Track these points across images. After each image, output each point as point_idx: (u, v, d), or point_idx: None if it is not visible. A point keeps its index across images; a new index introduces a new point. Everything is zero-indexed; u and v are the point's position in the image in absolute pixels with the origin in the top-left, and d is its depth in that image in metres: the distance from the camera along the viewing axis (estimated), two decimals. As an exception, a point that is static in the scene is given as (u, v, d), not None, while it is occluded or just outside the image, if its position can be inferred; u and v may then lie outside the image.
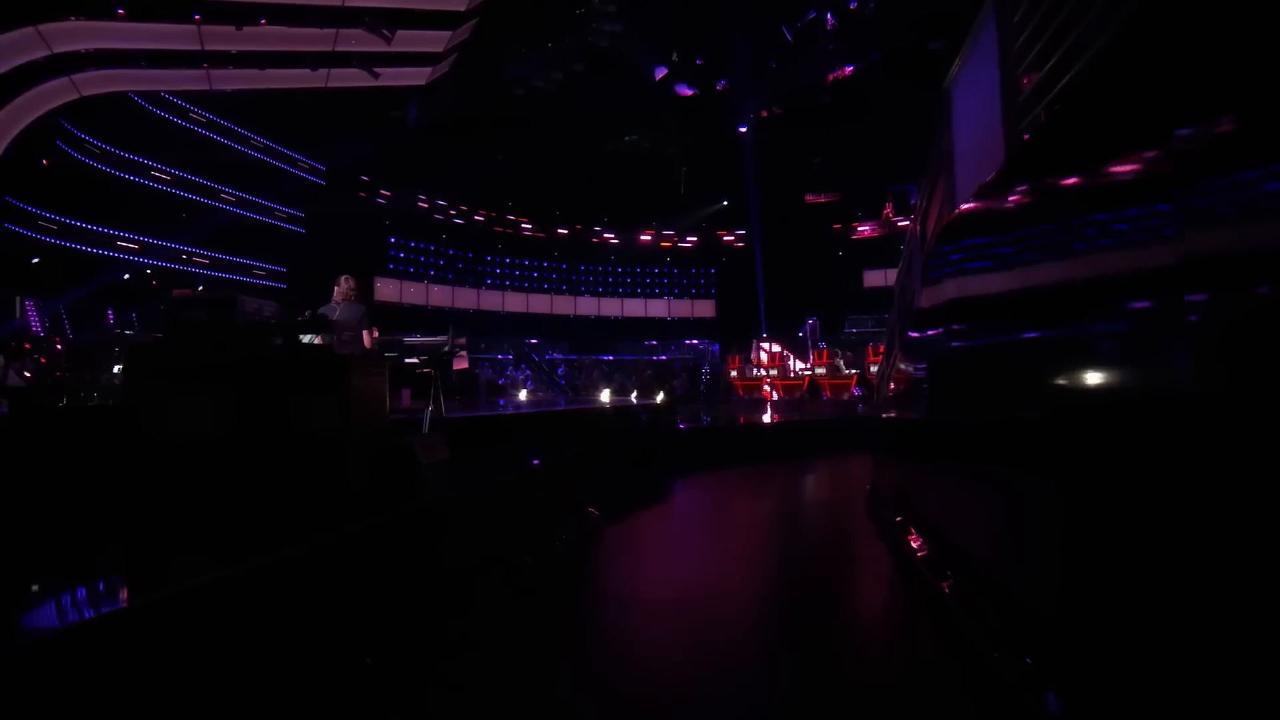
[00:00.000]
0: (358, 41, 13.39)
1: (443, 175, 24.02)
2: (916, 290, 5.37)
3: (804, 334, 21.98)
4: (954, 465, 4.17)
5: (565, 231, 28.41)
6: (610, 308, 29.62)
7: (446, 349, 5.83)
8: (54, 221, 15.51)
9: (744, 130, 20.75)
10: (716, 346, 25.41)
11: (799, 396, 18.05)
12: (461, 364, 5.89)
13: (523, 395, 18.46)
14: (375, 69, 14.34)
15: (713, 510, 7.65)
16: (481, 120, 20.86)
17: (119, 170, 16.75)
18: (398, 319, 24.01)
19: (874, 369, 15.48)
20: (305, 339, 4.25)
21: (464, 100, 19.28)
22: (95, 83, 14.32)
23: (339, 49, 13.54)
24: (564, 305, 28.96)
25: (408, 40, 13.82)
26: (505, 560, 4.33)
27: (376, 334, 8.18)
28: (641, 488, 8.56)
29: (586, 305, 29.29)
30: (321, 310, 5.88)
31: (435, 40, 14.26)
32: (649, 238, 29.46)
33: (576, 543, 5.41)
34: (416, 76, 15.57)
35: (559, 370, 24.98)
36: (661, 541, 6.02)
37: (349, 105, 19.46)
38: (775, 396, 19.53)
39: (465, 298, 26.84)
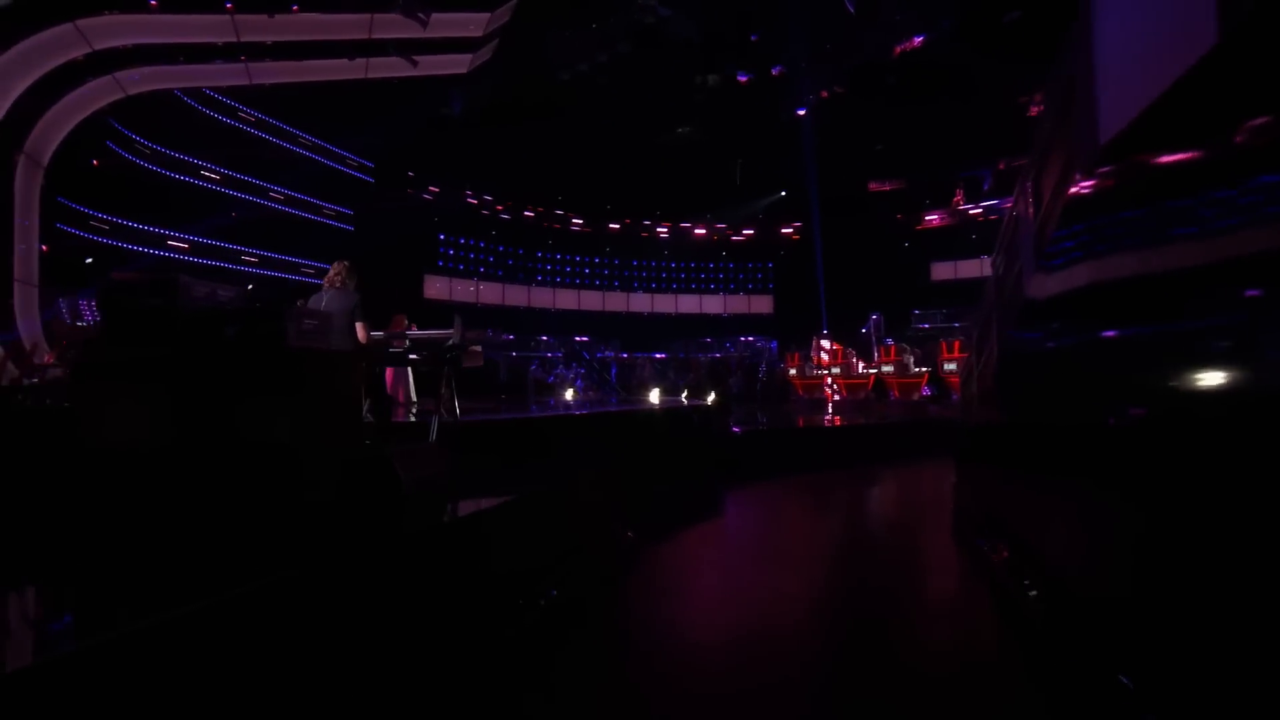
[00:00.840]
0: (394, 27, 12.87)
1: (491, 170, 23.57)
2: (1026, 275, 4.33)
3: (867, 330, 20.68)
4: (1068, 479, 3.18)
5: (616, 226, 27.66)
6: (664, 304, 28.77)
7: (450, 343, 5.06)
8: (105, 221, 15.55)
9: (803, 113, 19.57)
10: (775, 344, 24.27)
11: (863, 397, 16.81)
12: (475, 361, 5.13)
13: (569, 395, 17.76)
14: (414, 56, 13.80)
15: (770, 531, 6.69)
16: (526, 110, 20.26)
17: (169, 170, 16.74)
18: (446, 317, 23.62)
19: (949, 367, 14.18)
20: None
21: (508, 89, 18.71)
22: (139, 81, 14.21)
23: (375, 36, 13.04)
24: (616, 302, 28.24)
25: (446, 25, 13.24)
26: (487, 613, 3.50)
27: (411, 326, 7.50)
28: (689, 500, 7.67)
29: (639, 302, 28.50)
30: (311, 300, 5.21)
31: (474, 24, 13.64)
32: (703, 232, 28.48)
33: (599, 581, 4.55)
34: (457, 64, 15.00)
35: (611, 369, 24.28)
36: (708, 574, 5.11)
37: (396, 100, 19.13)
38: (837, 396, 18.32)
39: (515, 295, 26.39)
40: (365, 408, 5.03)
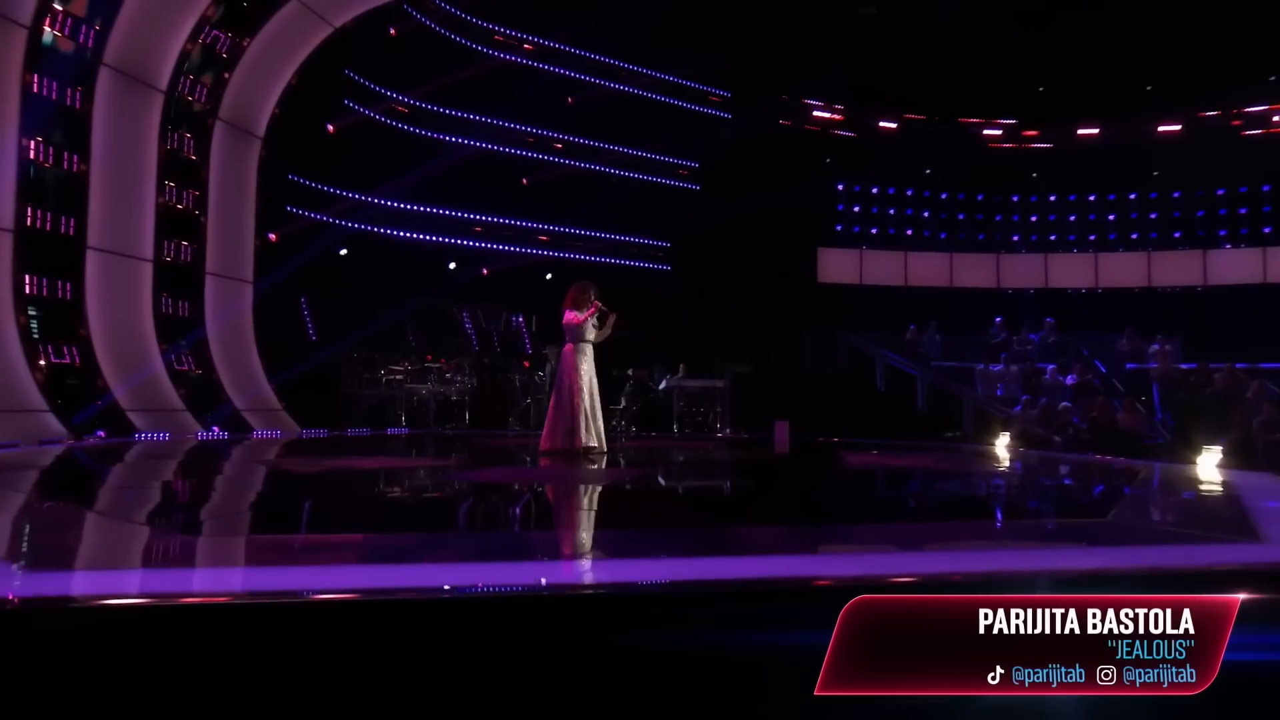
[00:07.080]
0: None
1: (910, 68, 14.51)
2: None
3: None
4: None
5: (1173, 129, 15.17)
6: (1287, 266, 14.95)
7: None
8: (354, 201, 12.55)
9: None
10: None
11: None
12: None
13: (1004, 444, 8.07)
14: None
15: None
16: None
17: (434, 130, 13.10)
18: (850, 311, 15.57)
19: None
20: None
21: None
22: (330, 3, 10.62)
23: None
24: (1172, 268, 15.74)
25: None
26: None
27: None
28: None
29: (1224, 263, 15.33)
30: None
31: None
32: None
33: None
34: None
35: (1153, 389, 12.79)
36: None
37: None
38: None
39: (972, 270, 16.52)
40: None
